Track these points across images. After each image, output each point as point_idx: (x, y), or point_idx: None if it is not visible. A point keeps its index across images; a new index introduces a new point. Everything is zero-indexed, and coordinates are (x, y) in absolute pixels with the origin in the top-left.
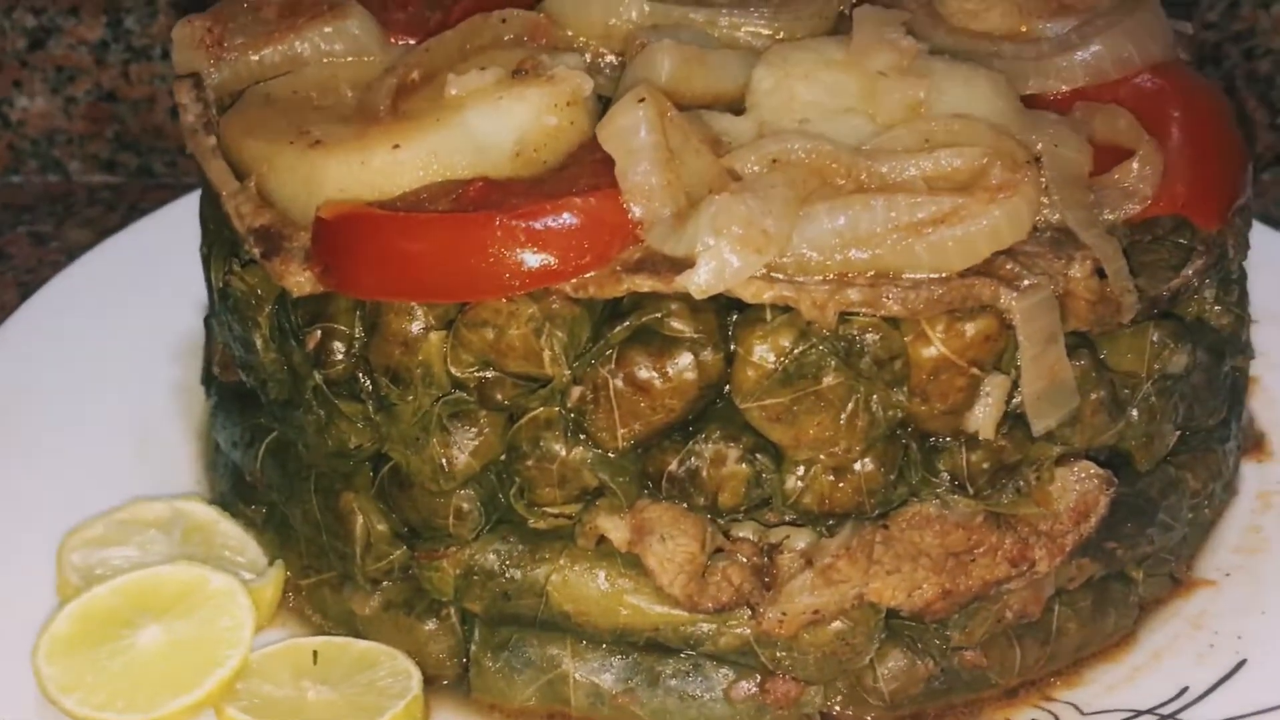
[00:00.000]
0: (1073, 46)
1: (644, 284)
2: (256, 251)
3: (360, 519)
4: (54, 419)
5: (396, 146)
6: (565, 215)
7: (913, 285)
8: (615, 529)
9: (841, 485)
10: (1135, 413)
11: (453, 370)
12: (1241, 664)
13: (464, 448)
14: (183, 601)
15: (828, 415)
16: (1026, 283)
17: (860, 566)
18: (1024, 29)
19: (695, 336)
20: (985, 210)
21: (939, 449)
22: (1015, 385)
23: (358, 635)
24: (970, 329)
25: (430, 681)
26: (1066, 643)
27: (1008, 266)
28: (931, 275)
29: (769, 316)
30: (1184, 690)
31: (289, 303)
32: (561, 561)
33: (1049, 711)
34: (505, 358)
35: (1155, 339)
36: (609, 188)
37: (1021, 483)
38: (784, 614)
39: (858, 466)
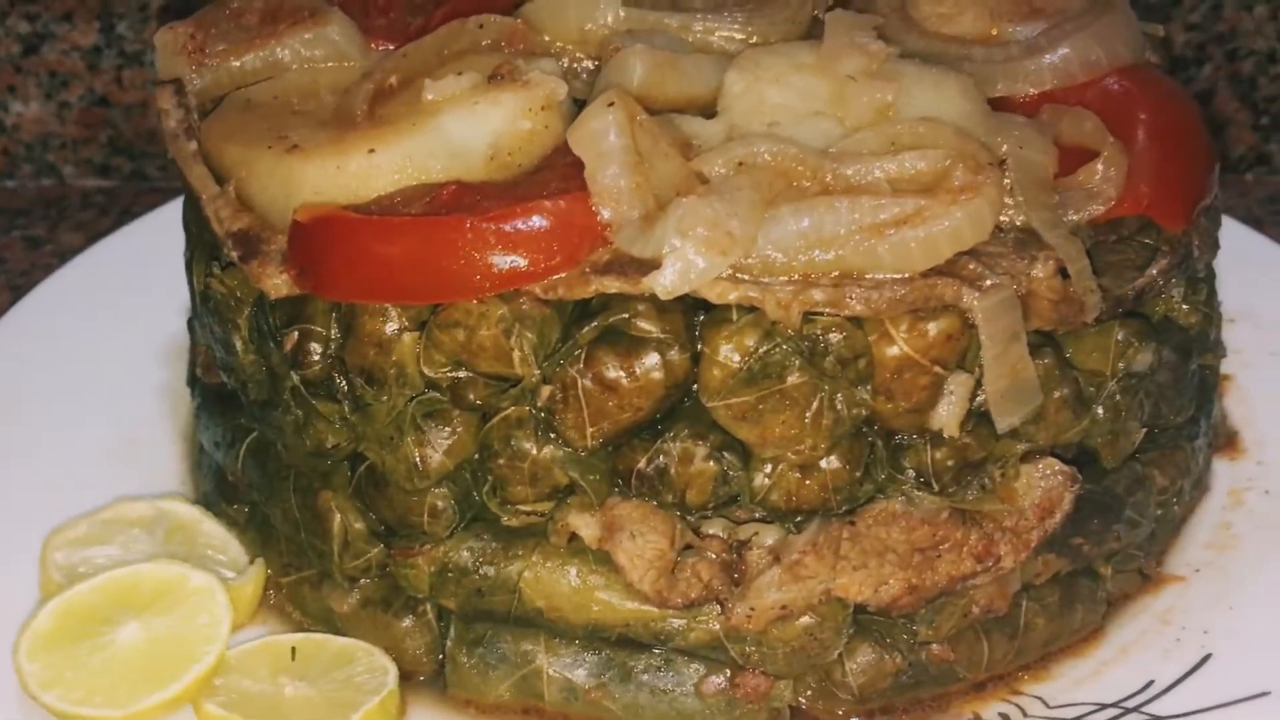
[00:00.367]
0: (1041, 50)
1: (612, 285)
2: (235, 254)
3: (338, 517)
4: (43, 419)
5: (372, 151)
6: (535, 218)
7: (876, 285)
8: (586, 526)
9: (808, 482)
10: (1100, 410)
11: (426, 370)
12: (1207, 658)
13: (438, 447)
14: (162, 599)
15: (793, 413)
16: (989, 282)
17: (827, 562)
18: (995, 32)
19: (662, 337)
20: (947, 211)
21: (904, 446)
22: (979, 383)
23: (337, 632)
24: (933, 328)
25: (407, 677)
26: (1034, 638)
27: (970, 266)
28: (894, 275)
29: (734, 317)
30: (1150, 684)
31: (267, 305)
32: (534, 558)
33: (1016, 705)
34: (476, 358)
35: (1120, 337)
36: (579, 190)
37: (986, 479)
38: (752, 609)
39: (824, 464)
